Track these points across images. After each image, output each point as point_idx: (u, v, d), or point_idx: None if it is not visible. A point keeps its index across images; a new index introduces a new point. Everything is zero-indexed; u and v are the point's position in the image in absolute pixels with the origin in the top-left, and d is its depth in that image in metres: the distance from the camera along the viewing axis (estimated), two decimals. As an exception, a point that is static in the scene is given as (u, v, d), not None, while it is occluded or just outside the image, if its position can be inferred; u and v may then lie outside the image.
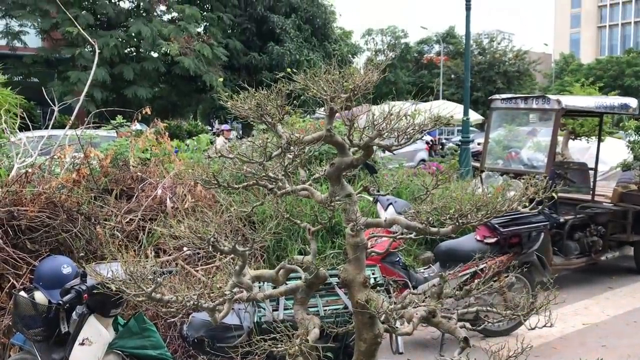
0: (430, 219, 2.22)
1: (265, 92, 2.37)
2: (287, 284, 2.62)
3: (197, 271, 4.11)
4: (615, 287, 7.15)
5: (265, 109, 2.36)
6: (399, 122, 2.36)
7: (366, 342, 2.44)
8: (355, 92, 2.38)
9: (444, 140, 26.99)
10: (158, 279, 2.07)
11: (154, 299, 2.09)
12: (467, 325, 2.43)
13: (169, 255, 4.64)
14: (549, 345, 5.32)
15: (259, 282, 3.18)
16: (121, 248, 2.26)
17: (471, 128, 20.82)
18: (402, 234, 2.67)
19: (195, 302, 2.08)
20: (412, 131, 2.38)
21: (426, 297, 2.43)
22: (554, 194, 2.33)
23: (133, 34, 20.73)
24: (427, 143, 21.02)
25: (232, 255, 2.37)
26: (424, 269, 5.49)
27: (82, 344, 3.09)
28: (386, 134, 2.35)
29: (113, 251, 2.27)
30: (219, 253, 3.40)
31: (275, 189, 2.58)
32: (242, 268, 2.30)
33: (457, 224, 2.20)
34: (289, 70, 2.53)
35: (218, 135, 13.33)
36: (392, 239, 2.83)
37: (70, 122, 5.88)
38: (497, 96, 8.01)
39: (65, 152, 5.24)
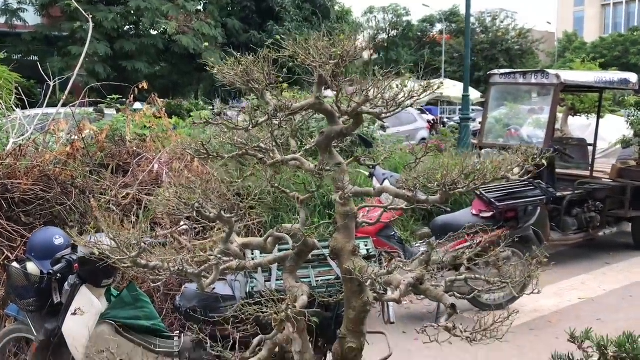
0: (417, 185, 2.20)
1: (252, 57, 2.33)
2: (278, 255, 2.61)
3: (193, 245, 4.10)
4: (613, 263, 7.16)
5: (252, 75, 2.33)
6: (388, 88, 2.33)
7: (355, 310, 2.44)
8: (345, 59, 2.35)
9: (445, 120, 26.89)
10: (142, 244, 2.06)
11: (139, 265, 2.08)
12: (456, 294, 2.42)
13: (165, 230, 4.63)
14: (544, 319, 5.34)
15: (252, 253, 3.19)
16: (115, 221, 2.24)
17: (473, 107, 20.72)
18: (392, 203, 2.65)
19: (180, 267, 2.07)
20: (402, 98, 2.35)
21: (416, 267, 2.42)
22: (543, 161, 2.31)
23: (132, 11, 20.60)
24: (429, 122, 20.96)
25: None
26: (420, 243, 5.49)
27: (74, 313, 3.11)
28: (375, 100, 2.32)
29: (101, 222, 2.25)
30: (216, 228, 3.38)
31: (266, 158, 2.56)
32: (229, 235, 2.30)
33: (444, 190, 2.19)
34: (277, 37, 2.49)
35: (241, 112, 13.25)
36: (383, 210, 2.82)
37: (65, 96, 5.84)
38: (495, 71, 7.93)
39: (59, 126, 5.21)
